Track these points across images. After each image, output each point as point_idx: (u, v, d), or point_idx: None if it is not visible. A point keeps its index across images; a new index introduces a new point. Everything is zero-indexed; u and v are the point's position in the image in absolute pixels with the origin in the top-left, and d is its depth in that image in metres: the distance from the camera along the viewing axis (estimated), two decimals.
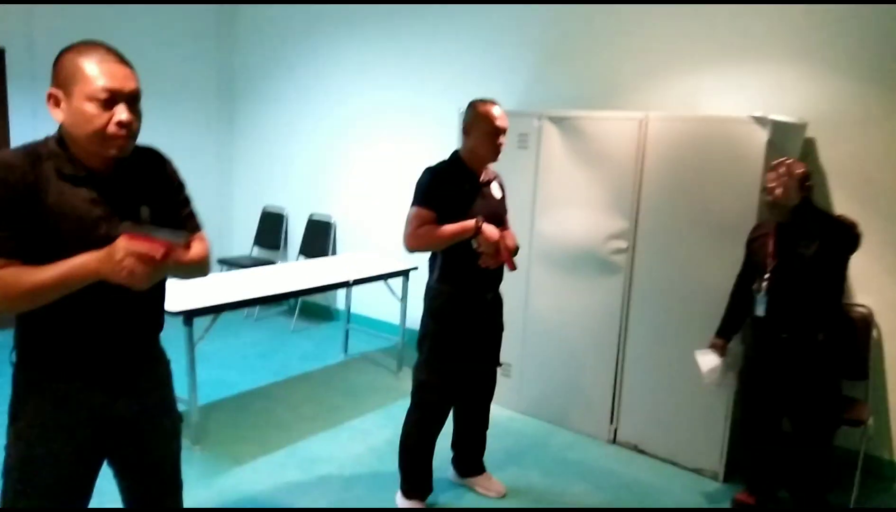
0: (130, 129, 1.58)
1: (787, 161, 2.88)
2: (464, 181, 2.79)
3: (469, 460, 3.24)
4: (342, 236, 5.84)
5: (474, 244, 2.72)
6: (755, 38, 3.73)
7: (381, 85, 5.43)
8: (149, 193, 1.73)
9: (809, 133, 3.59)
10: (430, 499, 3.09)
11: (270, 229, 6.36)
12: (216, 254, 6.22)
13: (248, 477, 3.25)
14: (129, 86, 1.57)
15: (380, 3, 5.31)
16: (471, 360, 2.92)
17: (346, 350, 5.10)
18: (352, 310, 5.34)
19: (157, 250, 1.50)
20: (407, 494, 3.01)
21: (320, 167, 5.96)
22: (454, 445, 3.25)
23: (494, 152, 2.79)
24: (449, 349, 2.84)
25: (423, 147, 4.92)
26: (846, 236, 2.79)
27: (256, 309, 6.07)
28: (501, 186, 3.00)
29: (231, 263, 5.76)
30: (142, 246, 1.49)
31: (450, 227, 2.68)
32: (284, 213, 6.28)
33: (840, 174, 3.57)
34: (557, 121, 3.82)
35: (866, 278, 3.54)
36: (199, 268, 1.84)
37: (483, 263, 2.76)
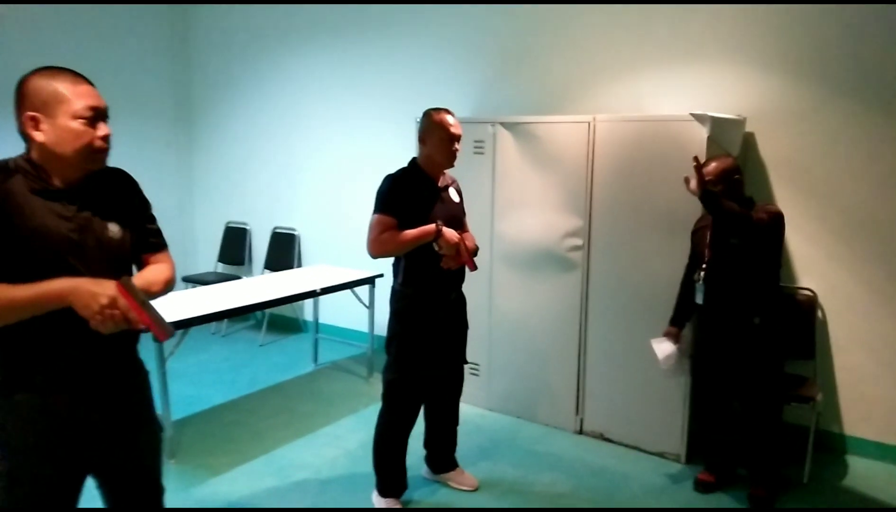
0: (109, 143, 1.72)
1: (713, 163, 3.05)
2: (422, 187, 2.91)
3: (441, 457, 3.34)
4: (307, 248, 5.91)
5: (435, 247, 2.82)
6: (693, 39, 3.93)
7: (338, 96, 5.52)
8: (117, 210, 1.81)
9: (749, 128, 3.79)
10: (405, 496, 3.18)
11: (234, 244, 6.38)
12: (180, 272, 6.22)
13: (225, 487, 3.30)
14: (103, 103, 1.71)
15: (332, 4, 5.41)
16: (437, 358, 3.03)
17: (315, 360, 5.16)
18: (320, 320, 5.40)
19: (137, 321, 1.63)
20: (382, 492, 3.10)
21: (282, 180, 6.02)
22: (426, 443, 3.35)
23: (450, 158, 2.91)
24: (415, 349, 2.95)
25: (381, 155, 5.00)
26: (758, 229, 2.93)
27: (224, 325, 6.10)
28: (459, 191, 3.12)
29: (196, 281, 5.78)
30: (129, 307, 1.60)
31: (411, 232, 2.79)
32: (248, 228, 6.32)
33: (779, 165, 3.77)
34: (510, 126, 3.96)
35: (809, 263, 3.75)
36: (167, 290, 1.92)
37: (445, 265, 2.87)
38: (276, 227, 6.08)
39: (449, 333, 3.07)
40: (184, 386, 4.60)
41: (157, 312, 1.69)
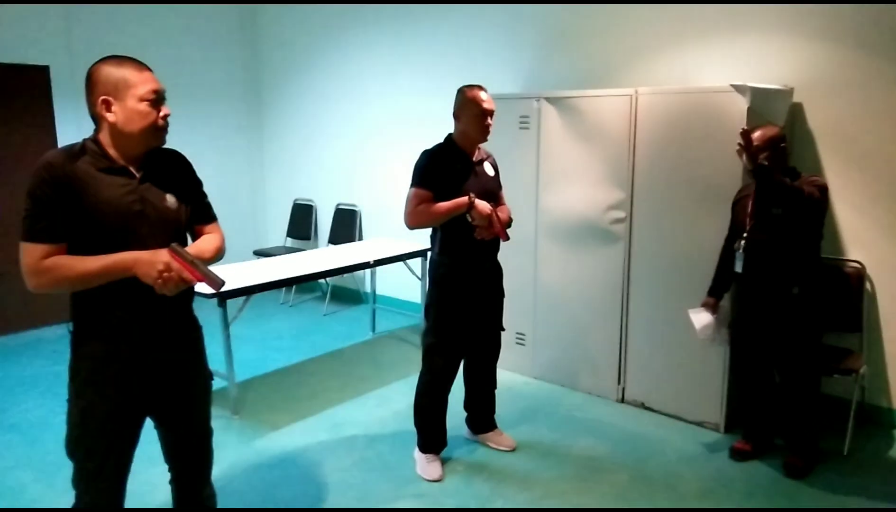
0: (167, 121, 1.97)
1: (757, 131, 3.05)
2: (456, 161, 3.06)
3: (480, 418, 3.52)
4: (367, 223, 6.17)
5: (469, 218, 2.98)
6: (739, 10, 3.89)
7: (394, 75, 5.72)
8: (173, 185, 2.06)
9: (796, 98, 3.74)
10: (446, 454, 3.38)
11: (301, 220, 6.72)
12: (251, 246, 6.65)
13: (282, 440, 3.60)
14: (163, 87, 1.96)
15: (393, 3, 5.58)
16: (473, 323, 3.20)
17: (373, 329, 5.43)
18: (379, 292, 5.67)
19: (191, 280, 1.88)
20: (423, 448, 3.30)
21: (345, 159, 6.29)
22: (466, 405, 3.54)
23: (483, 133, 3.05)
24: (452, 315, 3.13)
25: (433, 131, 5.12)
26: (801, 202, 2.94)
27: (292, 296, 6.47)
28: (494, 165, 3.26)
29: (265, 254, 6.13)
30: (181, 268, 1.85)
31: (444, 204, 2.96)
32: (313, 204, 6.64)
33: (827, 135, 3.71)
34: (554, 101, 4.05)
35: (856, 234, 3.69)
36: (218, 257, 2.17)
37: (478, 235, 3.02)
38: (338, 204, 6.37)
39: (484, 300, 3.22)
40: (252, 350, 4.96)
41: (206, 268, 1.91)
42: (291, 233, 6.78)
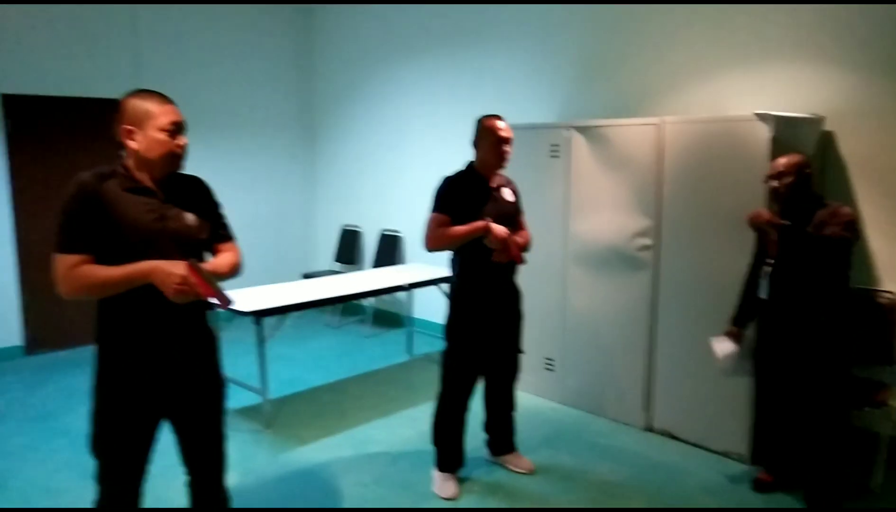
0: (185, 149, 2.16)
1: (782, 158, 3.06)
2: (475, 187, 3.17)
3: (500, 440, 3.57)
4: (410, 248, 6.33)
5: (486, 242, 3.08)
6: (770, 39, 3.90)
7: (438, 107, 5.92)
8: (193, 206, 2.24)
9: (828, 127, 3.71)
10: (464, 473, 3.44)
11: (348, 245, 6.95)
12: (301, 269, 6.91)
13: (308, 454, 3.74)
14: (181, 118, 2.15)
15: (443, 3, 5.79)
16: (491, 345, 3.28)
17: (410, 352, 5.56)
18: (417, 316, 5.80)
19: (203, 295, 2.05)
20: (440, 467, 3.38)
21: (388, 185, 6.51)
22: (486, 427, 3.59)
23: (501, 159, 3.16)
24: (469, 335, 3.22)
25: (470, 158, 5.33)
26: (817, 244, 2.94)
27: (338, 318, 6.67)
28: (514, 191, 3.35)
29: (313, 277, 6.35)
30: (196, 283, 2.01)
31: (461, 228, 3.07)
32: (360, 230, 6.86)
33: (860, 165, 3.66)
34: (584, 130, 4.12)
35: (890, 264, 3.60)
36: (233, 274, 2.33)
37: (495, 258, 3.11)
38: (383, 230, 6.56)
39: (502, 321, 3.30)
40: (291, 369, 5.15)
41: (219, 287, 2.09)
42: (339, 257, 7.01)
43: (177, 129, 2.12)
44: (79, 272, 2.01)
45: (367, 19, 6.48)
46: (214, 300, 2.12)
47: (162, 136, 2.09)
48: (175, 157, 2.14)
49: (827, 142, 3.72)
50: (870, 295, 3.61)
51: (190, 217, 2.22)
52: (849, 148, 3.69)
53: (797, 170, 3.06)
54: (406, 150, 6.28)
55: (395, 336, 6.15)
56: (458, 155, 5.65)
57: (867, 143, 3.62)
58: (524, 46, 5.20)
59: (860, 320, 3.53)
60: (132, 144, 2.10)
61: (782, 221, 2.99)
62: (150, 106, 2.09)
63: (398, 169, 6.39)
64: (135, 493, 2.24)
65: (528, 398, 4.38)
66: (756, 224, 3.11)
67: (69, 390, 4.76)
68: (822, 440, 3.15)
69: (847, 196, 3.66)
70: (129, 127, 2.09)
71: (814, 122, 3.62)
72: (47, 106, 5.53)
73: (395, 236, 6.43)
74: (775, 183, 3.06)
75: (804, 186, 3.06)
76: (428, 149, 6.03)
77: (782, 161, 3.08)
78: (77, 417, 4.24)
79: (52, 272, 2.04)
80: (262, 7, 6.77)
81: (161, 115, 2.09)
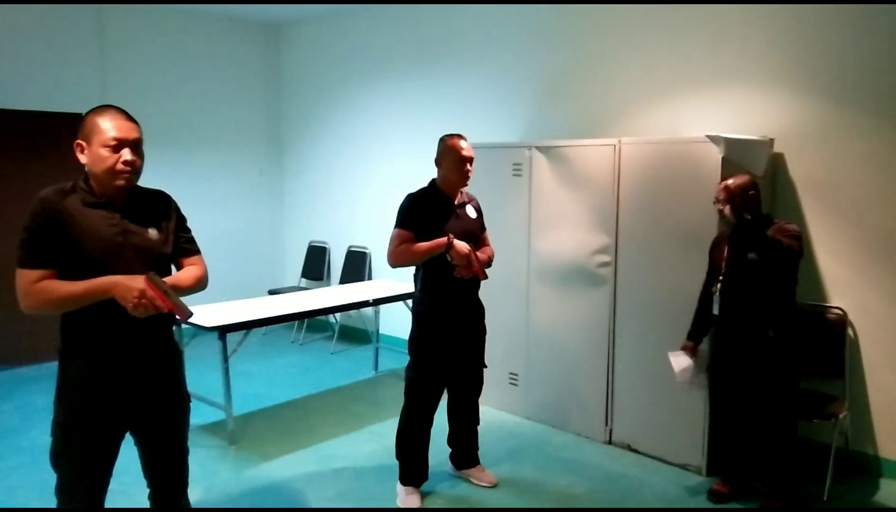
0: (134, 166, 2.14)
1: (729, 180, 3.18)
2: (438, 204, 3.25)
3: (463, 454, 3.62)
4: (377, 265, 6.37)
5: (448, 258, 3.14)
6: (722, 65, 4.06)
7: (405, 126, 5.99)
8: (156, 220, 2.27)
9: (778, 148, 3.87)
10: (428, 487, 3.48)
11: (316, 261, 6.96)
12: (268, 285, 6.90)
13: (272, 470, 3.74)
14: (132, 135, 2.14)
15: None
16: (454, 359, 3.34)
17: (376, 368, 5.58)
18: (384, 331, 5.83)
19: (162, 307, 2.06)
20: (403, 481, 3.41)
21: (356, 201, 6.56)
22: (450, 441, 3.64)
23: (463, 178, 3.24)
24: (432, 350, 3.27)
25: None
26: (777, 250, 3.05)
27: (302, 334, 6.66)
28: (477, 208, 3.43)
29: (279, 293, 6.35)
30: (155, 296, 2.03)
31: (424, 244, 3.13)
32: (327, 246, 6.88)
33: (808, 184, 3.82)
34: (545, 150, 4.23)
35: (839, 282, 3.75)
36: (197, 287, 2.35)
37: (457, 274, 3.18)
38: (350, 246, 6.60)
39: (465, 336, 3.36)
40: (257, 385, 5.14)
41: (178, 299, 2.11)
42: (306, 273, 7.01)
43: (120, 144, 2.09)
44: (41, 287, 2.03)
45: (335, 39, 6.56)
46: (175, 313, 2.14)
47: (104, 151, 2.08)
48: (116, 173, 2.10)
49: (777, 163, 3.88)
50: (819, 311, 3.76)
51: (152, 232, 2.25)
52: (797, 169, 3.85)
53: (741, 192, 3.17)
54: (372, 166, 6.34)
55: (362, 352, 6.17)
56: (424, 172, 5.74)
57: (814, 164, 3.79)
58: (488, 68, 5.31)
59: (811, 335, 3.67)
60: (82, 159, 2.13)
61: (746, 215, 3.11)
62: (100, 121, 2.10)
63: (365, 185, 6.44)
64: (96, 506, 2.23)
65: (491, 412, 4.44)
66: (731, 204, 3.15)
67: (28, 407, 4.68)
68: (773, 451, 3.27)
69: (797, 215, 3.81)
70: (81, 141, 2.12)
71: (763, 144, 3.77)
72: (8, 119, 5.48)
73: (362, 252, 6.47)
74: (720, 205, 3.18)
75: (750, 207, 3.17)
76: (394, 166, 6.10)
77: (727, 183, 3.19)
78: (36, 434, 4.18)
79: (15, 287, 2.05)
80: (231, 24, 6.81)
81: (107, 130, 2.08)
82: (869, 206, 3.63)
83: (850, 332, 3.72)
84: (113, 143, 2.08)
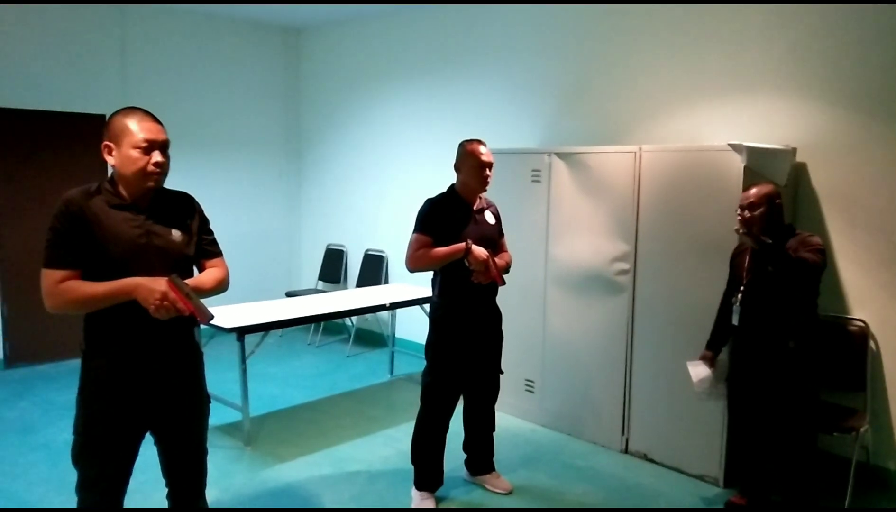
0: (163, 168, 2.17)
1: (752, 191, 3.14)
2: (457, 210, 3.25)
3: (479, 460, 3.61)
4: (393, 268, 6.39)
5: (466, 263, 3.14)
6: (745, 72, 4.03)
7: (424, 131, 6.01)
8: (179, 222, 2.29)
9: (800, 158, 3.83)
10: (443, 493, 3.48)
11: (333, 264, 6.98)
12: (285, 287, 6.94)
13: (287, 472, 3.75)
14: (161, 137, 2.16)
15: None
16: (470, 365, 3.33)
17: (391, 371, 5.59)
18: (400, 335, 5.84)
19: (184, 310, 2.07)
20: (418, 485, 3.41)
21: (373, 205, 6.58)
22: (465, 447, 3.63)
23: (482, 183, 3.24)
24: (449, 355, 3.27)
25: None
26: (794, 265, 3.00)
27: (318, 337, 6.68)
28: (496, 214, 3.43)
29: (298, 296, 6.38)
30: (176, 299, 2.04)
31: (442, 249, 3.14)
32: (344, 249, 6.91)
33: (831, 195, 3.77)
34: (564, 156, 4.22)
35: (861, 294, 3.70)
36: (219, 290, 2.37)
37: (475, 279, 3.18)
38: (367, 249, 6.62)
39: (481, 342, 3.36)
40: (273, 387, 5.16)
41: (199, 302, 2.13)
42: (323, 276, 7.04)
43: (151, 146, 2.11)
44: (64, 287, 2.05)
45: (354, 43, 6.59)
46: (196, 316, 2.16)
47: (135, 153, 2.10)
48: (147, 174, 2.12)
49: (799, 173, 3.84)
50: (841, 323, 3.71)
51: (175, 233, 2.26)
52: (820, 179, 3.81)
53: (767, 200, 3.14)
54: (390, 171, 6.36)
55: (377, 356, 6.18)
56: (442, 177, 5.76)
57: (837, 175, 3.74)
58: (508, 73, 5.31)
59: (832, 347, 3.63)
60: (110, 160, 2.15)
61: (765, 238, 3.05)
62: (129, 123, 2.12)
63: (383, 190, 6.46)
64: (115, 504, 2.25)
65: (507, 419, 4.42)
66: (744, 232, 3.10)
67: (48, 404, 4.74)
68: (792, 464, 3.22)
69: (818, 226, 3.77)
70: (109, 143, 2.14)
71: (786, 154, 3.73)
72: (31, 119, 5.55)
73: (380, 256, 6.48)
74: (746, 213, 3.14)
75: (774, 216, 3.14)
76: (412, 171, 6.11)
77: (752, 191, 3.16)
78: (56, 431, 4.22)
79: (37, 286, 2.07)
80: (251, 28, 6.86)
81: (137, 132, 2.10)
82: (892, 217, 3.58)
83: (871, 344, 3.66)
84: (144, 145, 2.10)
